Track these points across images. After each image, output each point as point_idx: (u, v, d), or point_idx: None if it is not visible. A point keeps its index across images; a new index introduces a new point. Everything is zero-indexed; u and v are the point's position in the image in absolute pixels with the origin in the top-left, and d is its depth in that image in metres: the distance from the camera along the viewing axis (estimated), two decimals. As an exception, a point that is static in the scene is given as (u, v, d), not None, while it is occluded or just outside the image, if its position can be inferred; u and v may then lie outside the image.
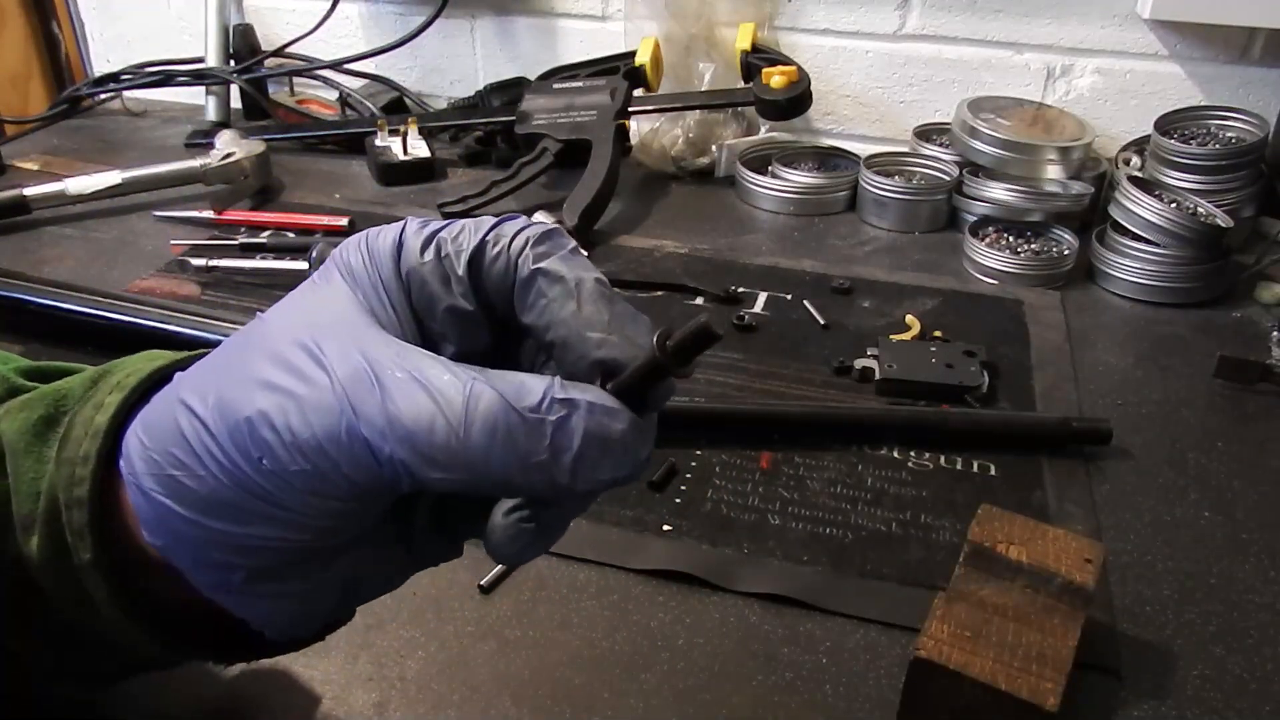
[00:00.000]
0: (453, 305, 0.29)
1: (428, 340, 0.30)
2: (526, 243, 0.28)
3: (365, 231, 0.30)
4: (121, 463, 0.28)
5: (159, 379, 0.30)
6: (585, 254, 0.29)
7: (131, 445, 0.28)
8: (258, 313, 0.29)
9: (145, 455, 0.27)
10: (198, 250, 0.86)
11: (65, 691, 0.35)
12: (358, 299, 0.28)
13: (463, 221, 0.29)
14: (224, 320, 0.68)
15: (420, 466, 0.25)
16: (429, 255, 0.29)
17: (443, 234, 0.29)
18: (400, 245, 0.29)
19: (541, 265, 0.28)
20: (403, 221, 0.30)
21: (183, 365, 0.31)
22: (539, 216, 0.89)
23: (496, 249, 0.29)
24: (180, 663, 0.34)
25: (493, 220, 0.29)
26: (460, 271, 0.29)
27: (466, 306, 0.29)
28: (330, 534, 0.27)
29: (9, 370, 0.35)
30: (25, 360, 0.37)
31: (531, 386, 0.26)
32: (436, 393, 0.25)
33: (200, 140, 1.10)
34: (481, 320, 0.30)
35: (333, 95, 1.20)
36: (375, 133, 1.05)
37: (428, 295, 0.29)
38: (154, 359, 0.32)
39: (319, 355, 0.26)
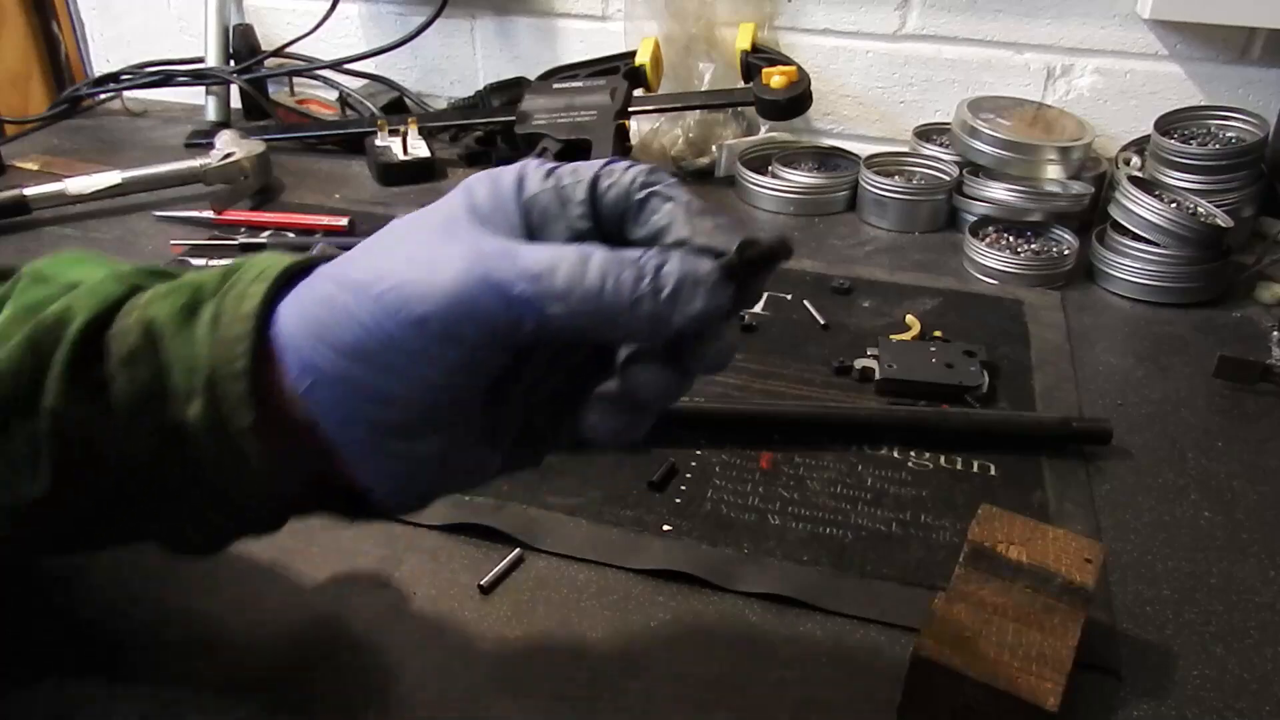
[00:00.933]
0: (571, 225, 0.34)
1: None
2: (636, 175, 0.34)
3: (491, 170, 0.35)
4: (274, 328, 0.33)
5: (294, 273, 0.35)
6: None
7: (285, 312, 0.33)
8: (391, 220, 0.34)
9: (299, 315, 0.33)
10: (198, 250, 0.86)
11: (181, 551, 0.40)
12: (479, 218, 0.33)
13: (575, 164, 0.35)
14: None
15: (545, 300, 0.30)
16: (549, 183, 0.34)
17: (560, 170, 0.35)
18: (522, 179, 0.34)
19: (656, 188, 0.34)
20: (522, 162, 0.35)
21: (306, 266, 0.36)
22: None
23: (610, 180, 0.34)
24: (284, 522, 0.39)
25: (601, 161, 0.35)
26: (580, 196, 0.34)
27: (584, 225, 0.34)
28: (451, 390, 0.32)
29: (128, 272, 0.39)
30: (128, 263, 0.41)
31: (630, 252, 0.31)
32: (557, 250, 0.31)
33: (200, 140, 1.10)
34: (596, 239, 0.34)
35: (333, 95, 1.20)
36: (375, 133, 1.05)
37: (548, 218, 0.34)
38: (282, 258, 0.36)
39: (454, 236, 0.32)
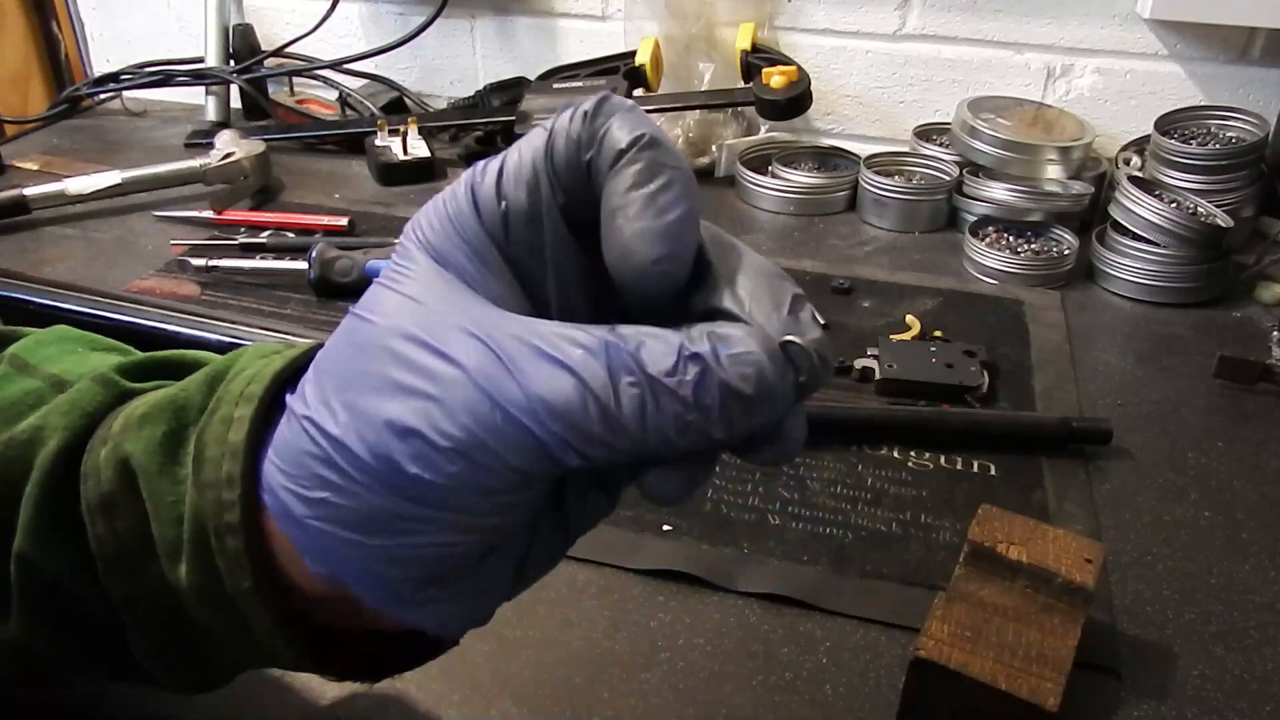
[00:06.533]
0: (549, 244, 0.26)
1: (532, 282, 0.27)
2: (580, 138, 0.25)
3: (431, 201, 0.27)
4: (265, 495, 0.26)
5: (282, 383, 0.29)
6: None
7: (272, 476, 0.26)
8: (349, 310, 0.26)
9: (289, 484, 0.25)
10: (198, 250, 0.86)
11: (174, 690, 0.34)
12: (450, 275, 0.26)
13: (519, 147, 0.26)
14: (224, 320, 0.68)
15: (583, 444, 0.23)
16: (503, 202, 0.26)
17: (506, 170, 0.26)
18: (476, 202, 0.26)
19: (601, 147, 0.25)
20: (463, 177, 0.27)
21: (298, 365, 0.29)
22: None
23: (560, 151, 0.26)
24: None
25: (544, 132, 0.26)
26: (556, 200, 0.26)
27: (565, 239, 0.27)
28: (497, 529, 0.26)
29: (110, 370, 0.32)
30: (121, 350, 0.36)
31: (659, 351, 0.23)
32: (578, 370, 0.23)
33: (200, 140, 1.10)
34: (578, 245, 0.27)
35: (333, 95, 1.20)
36: (375, 133, 1.05)
37: (525, 243, 0.26)
38: (268, 359, 0.30)
39: (441, 349, 0.24)
